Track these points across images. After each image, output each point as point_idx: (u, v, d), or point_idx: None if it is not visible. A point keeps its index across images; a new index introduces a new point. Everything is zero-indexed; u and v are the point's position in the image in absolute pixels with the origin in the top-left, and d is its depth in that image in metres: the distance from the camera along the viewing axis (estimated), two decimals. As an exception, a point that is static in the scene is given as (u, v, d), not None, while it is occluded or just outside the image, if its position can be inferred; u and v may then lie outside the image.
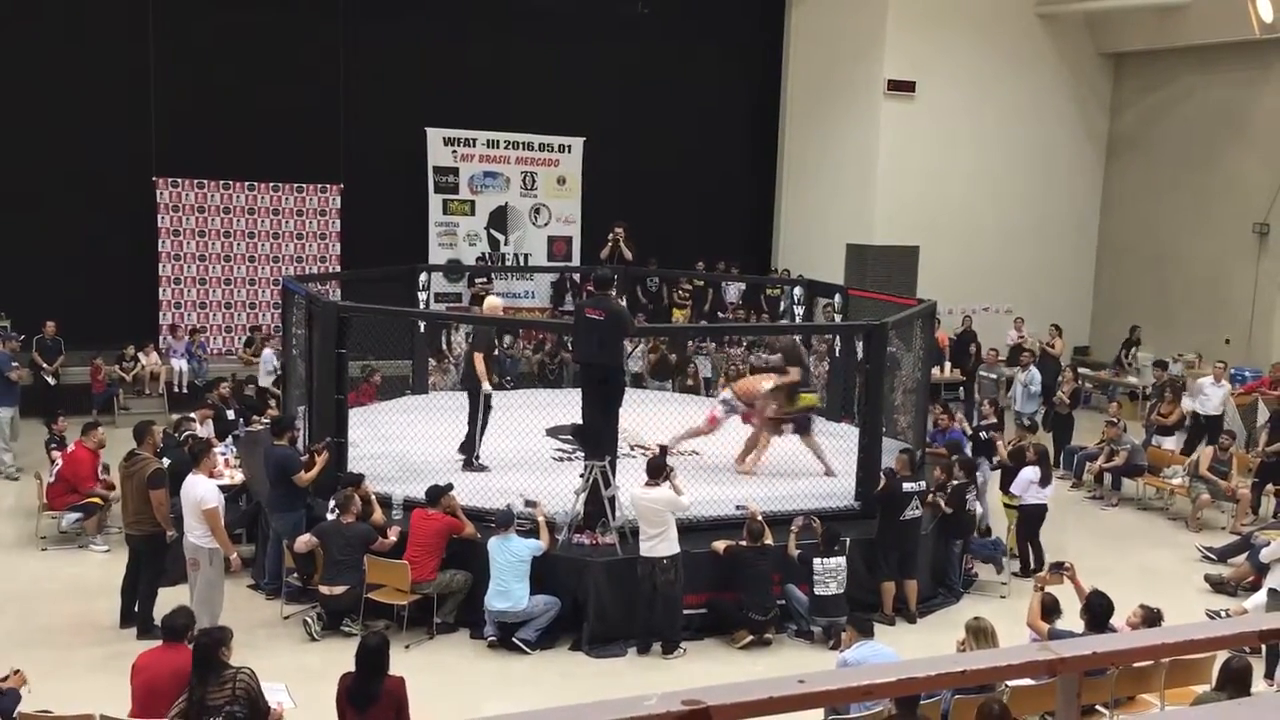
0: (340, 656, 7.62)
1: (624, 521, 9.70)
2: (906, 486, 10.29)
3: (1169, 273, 20.60)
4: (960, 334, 19.14)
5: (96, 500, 11.37)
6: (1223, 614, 10.03)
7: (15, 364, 13.98)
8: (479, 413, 11.39)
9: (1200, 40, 19.22)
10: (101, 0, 17.46)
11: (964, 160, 20.39)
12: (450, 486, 9.80)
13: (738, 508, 10.27)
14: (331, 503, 9.84)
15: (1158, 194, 20.84)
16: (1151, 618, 7.72)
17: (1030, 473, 11.74)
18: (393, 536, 9.63)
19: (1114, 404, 16.04)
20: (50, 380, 15.90)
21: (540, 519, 9.59)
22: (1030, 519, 11.77)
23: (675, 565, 9.28)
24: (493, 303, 13.00)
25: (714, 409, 12.18)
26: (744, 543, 9.59)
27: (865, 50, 20.10)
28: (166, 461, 10.16)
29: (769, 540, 9.67)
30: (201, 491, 8.91)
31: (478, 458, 11.42)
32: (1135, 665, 7.21)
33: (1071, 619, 7.96)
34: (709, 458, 11.70)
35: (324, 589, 9.41)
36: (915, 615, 10.27)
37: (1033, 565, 11.55)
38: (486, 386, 11.33)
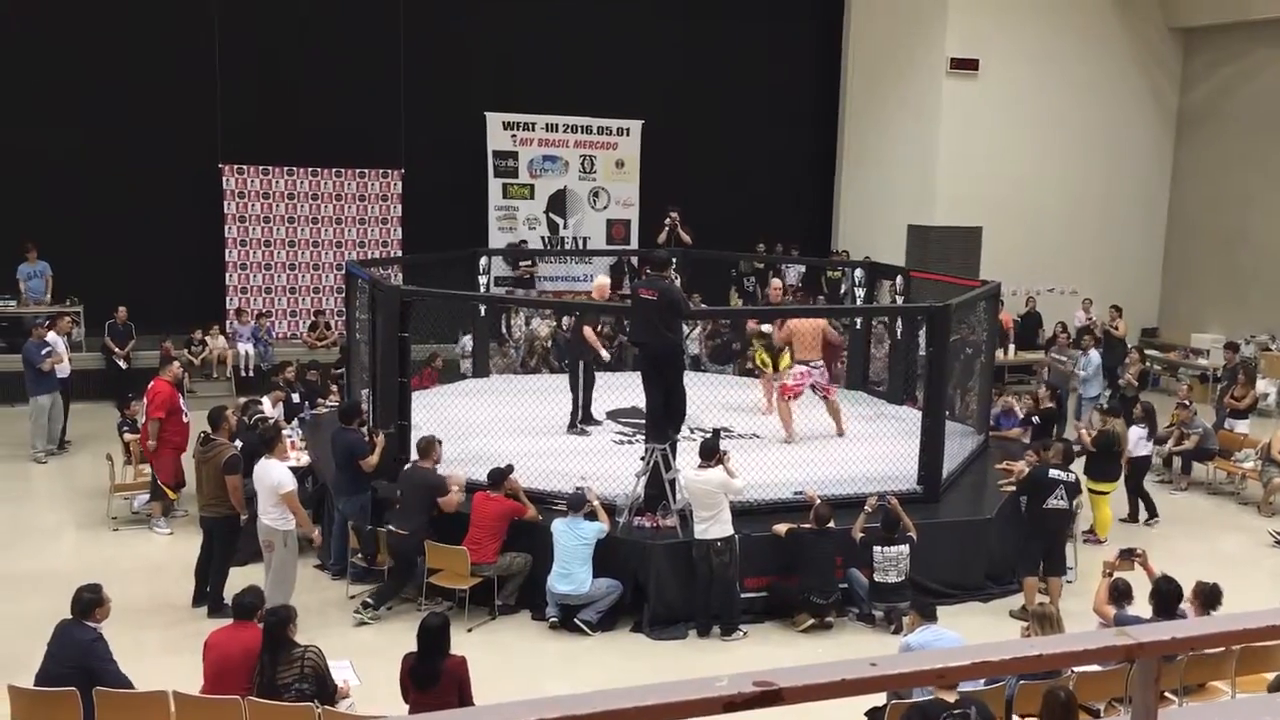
0: (403, 636, 7.71)
1: (684, 504, 9.69)
2: (1052, 473, 9.93)
3: (1240, 251, 20.13)
4: (1025, 315, 18.86)
5: (169, 491, 11.54)
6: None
7: (47, 354, 13.74)
8: (583, 379, 12.36)
9: (1273, 14, 18.72)
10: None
11: (1028, 138, 20.05)
12: (510, 469, 9.86)
13: (795, 493, 10.23)
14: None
15: (1229, 171, 20.36)
16: (1208, 593, 7.57)
17: (1138, 430, 12.75)
18: (455, 492, 9.75)
19: (1185, 386, 15.74)
20: (122, 364, 16.34)
21: (594, 501, 9.63)
22: (1137, 470, 12.68)
23: (730, 548, 9.26)
24: (601, 282, 13.49)
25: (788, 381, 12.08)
26: (807, 525, 9.55)
27: (927, 27, 19.82)
28: (238, 444, 10.35)
29: (832, 524, 9.62)
30: (278, 476, 9.08)
31: (582, 421, 12.32)
32: (1206, 651, 7.08)
33: (1135, 604, 7.84)
34: (768, 441, 11.65)
35: (394, 528, 9.62)
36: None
37: (1142, 515, 12.47)
38: (605, 355, 12.80)
